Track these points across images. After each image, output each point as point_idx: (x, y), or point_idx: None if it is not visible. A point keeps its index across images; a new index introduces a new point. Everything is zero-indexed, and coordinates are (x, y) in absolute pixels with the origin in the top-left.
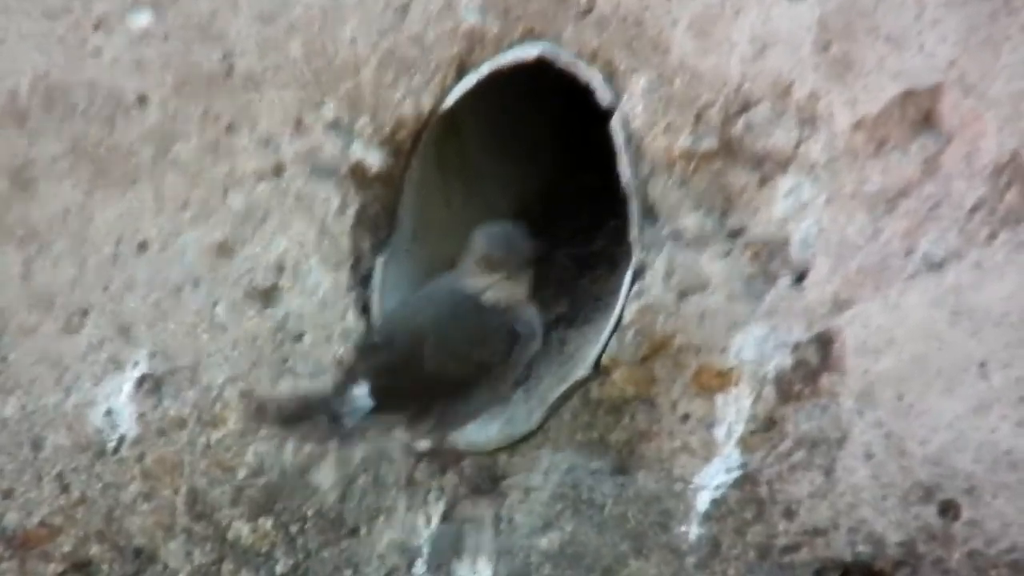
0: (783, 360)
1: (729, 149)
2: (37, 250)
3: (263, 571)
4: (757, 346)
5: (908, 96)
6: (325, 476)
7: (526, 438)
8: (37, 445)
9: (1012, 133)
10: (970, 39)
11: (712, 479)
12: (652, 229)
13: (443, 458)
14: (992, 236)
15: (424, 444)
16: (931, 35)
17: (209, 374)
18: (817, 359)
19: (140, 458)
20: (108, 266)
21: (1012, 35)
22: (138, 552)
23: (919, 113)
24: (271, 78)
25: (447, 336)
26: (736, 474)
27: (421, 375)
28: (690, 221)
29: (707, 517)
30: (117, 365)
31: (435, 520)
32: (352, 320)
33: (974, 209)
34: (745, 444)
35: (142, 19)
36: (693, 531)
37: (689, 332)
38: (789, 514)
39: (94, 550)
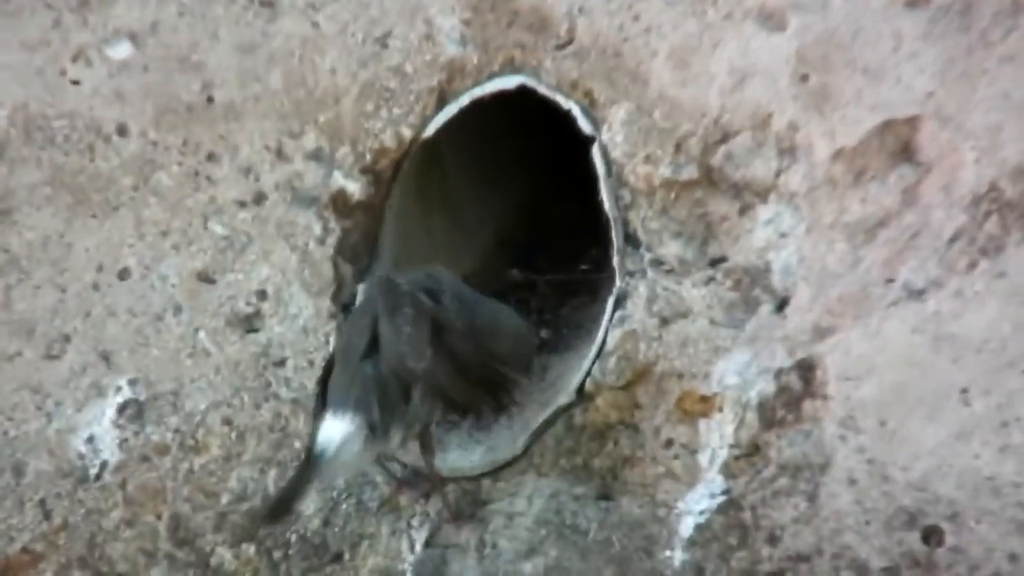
0: (766, 386)
1: (709, 178)
2: (17, 278)
3: None
4: (740, 372)
5: (886, 127)
6: (308, 501)
7: (509, 464)
8: (19, 471)
9: (990, 164)
10: (947, 72)
11: (696, 504)
12: (634, 257)
13: (426, 483)
14: (972, 265)
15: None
16: (909, 68)
17: (192, 400)
18: (800, 385)
19: (122, 484)
20: (89, 293)
21: (989, 68)
22: None
23: (897, 144)
24: (251, 108)
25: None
26: (720, 499)
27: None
28: (671, 249)
29: (691, 542)
30: (99, 391)
31: (419, 545)
32: (334, 347)
33: (953, 239)
34: (729, 470)
35: (121, 50)
36: (677, 556)
37: (672, 358)
38: (773, 540)
39: None
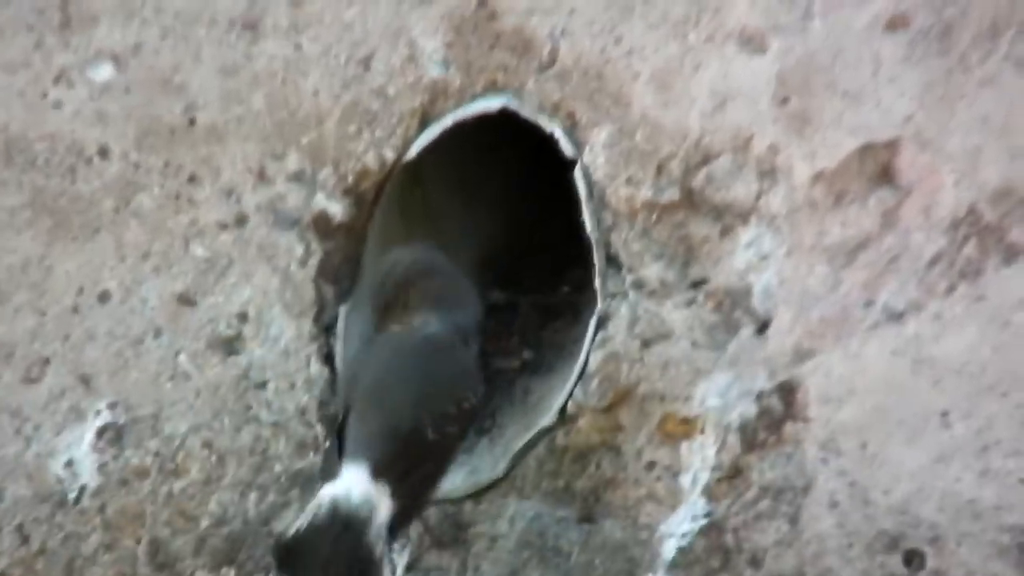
0: (747, 409)
1: (691, 201)
2: None
3: None
4: (721, 395)
5: (866, 150)
6: (288, 525)
7: (491, 486)
8: None
9: (968, 187)
10: (926, 95)
11: (678, 527)
12: (615, 278)
13: None
14: (951, 288)
15: None
16: (888, 91)
17: (171, 424)
18: (781, 408)
19: (101, 508)
20: (69, 316)
21: (967, 92)
22: None
23: (877, 167)
24: (233, 130)
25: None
26: (702, 522)
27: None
28: (653, 271)
29: (673, 565)
30: (78, 415)
31: (400, 570)
32: (315, 369)
33: (933, 262)
34: (711, 492)
35: (103, 72)
36: None
37: (653, 380)
38: (755, 563)
39: None
